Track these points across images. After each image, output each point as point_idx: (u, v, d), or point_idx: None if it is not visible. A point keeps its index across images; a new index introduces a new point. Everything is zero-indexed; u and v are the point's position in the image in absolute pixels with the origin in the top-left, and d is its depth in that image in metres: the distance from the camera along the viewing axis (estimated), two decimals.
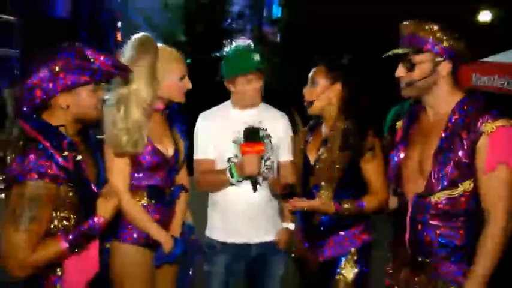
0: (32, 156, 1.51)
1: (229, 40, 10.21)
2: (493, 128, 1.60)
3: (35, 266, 1.54)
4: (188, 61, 11.21)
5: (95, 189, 1.71)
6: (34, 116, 1.61)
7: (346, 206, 2.05)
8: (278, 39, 16.10)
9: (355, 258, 2.12)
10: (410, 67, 1.73)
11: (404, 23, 1.77)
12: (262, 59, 2.27)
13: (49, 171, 1.52)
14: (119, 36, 21.96)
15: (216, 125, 2.31)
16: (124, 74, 1.77)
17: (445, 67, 1.71)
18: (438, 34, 1.69)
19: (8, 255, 1.50)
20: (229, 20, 12.66)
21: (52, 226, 1.59)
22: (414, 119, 1.89)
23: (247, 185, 2.21)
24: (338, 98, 2.15)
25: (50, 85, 1.58)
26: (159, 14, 12.53)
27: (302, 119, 2.27)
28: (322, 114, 2.21)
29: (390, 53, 1.78)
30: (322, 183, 2.11)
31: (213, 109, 2.41)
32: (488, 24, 10.94)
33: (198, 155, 2.32)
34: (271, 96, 2.46)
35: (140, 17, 12.86)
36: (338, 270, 2.12)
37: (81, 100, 1.64)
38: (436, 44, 1.69)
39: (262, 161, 2.23)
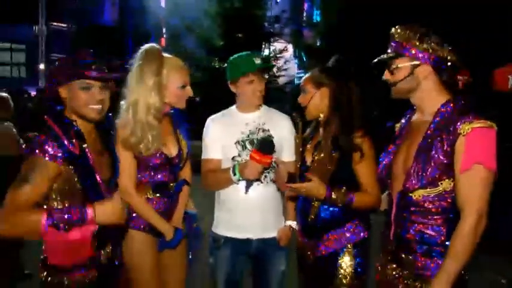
0: (43, 138, 1.77)
1: (267, 44, 10.30)
2: (469, 129, 1.65)
3: (12, 223, 1.69)
4: (226, 65, 11.39)
5: (100, 179, 1.90)
6: (56, 107, 1.90)
7: (335, 195, 2.09)
8: (317, 42, 16.10)
9: (352, 253, 2.18)
10: (391, 71, 1.84)
11: (392, 29, 1.86)
12: (267, 63, 2.38)
13: (52, 151, 1.74)
14: (163, 42, 22.73)
15: (222, 127, 2.46)
16: (115, 76, 1.97)
17: (424, 70, 1.79)
18: (414, 39, 1.77)
19: None
20: (266, 24, 12.79)
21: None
22: (407, 121, 1.98)
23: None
24: (327, 101, 2.23)
25: (54, 77, 1.89)
26: (200, 21, 12.86)
27: (304, 122, 2.33)
28: (317, 118, 2.30)
29: (376, 60, 1.89)
30: None
31: (220, 113, 2.56)
32: None
33: (205, 155, 2.48)
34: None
35: (182, 23, 13.25)
36: (337, 264, 2.18)
37: (72, 95, 1.86)
38: (411, 49, 1.78)
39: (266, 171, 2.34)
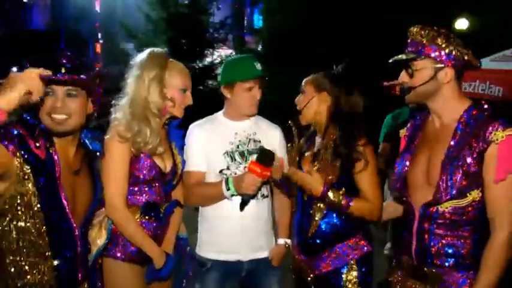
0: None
1: (211, 50, 10.17)
2: (503, 137, 1.58)
3: None
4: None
5: (65, 199, 1.68)
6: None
7: (332, 194, 1.97)
8: (260, 48, 16.17)
9: (355, 269, 2.06)
10: (411, 73, 1.72)
11: (411, 28, 1.74)
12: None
13: (8, 143, 1.56)
14: (98, 48, 21.73)
15: (207, 135, 2.25)
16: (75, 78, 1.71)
17: (447, 74, 1.69)
18: (438, 40, 1.67)
19: None
20: (210, 30, 12.58)
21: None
22: (420, 126, 1.87)
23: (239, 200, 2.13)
24: (326, 106, 2.11)
25: None
26: (140, 25, 12.40)
27: (299, 130, 2.21)
28: (313, 123, 2.17)
29: (393, 59, 1.77)
30: None
31: (204, 120, 2.34)
32: (464, 32, 11.16)
33: (189, 167, 2.22)
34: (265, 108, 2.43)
35: (121, 28, 12.70)
36: (341, 282, 2.05)
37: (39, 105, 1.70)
38: (435, 50, 1.67)
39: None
